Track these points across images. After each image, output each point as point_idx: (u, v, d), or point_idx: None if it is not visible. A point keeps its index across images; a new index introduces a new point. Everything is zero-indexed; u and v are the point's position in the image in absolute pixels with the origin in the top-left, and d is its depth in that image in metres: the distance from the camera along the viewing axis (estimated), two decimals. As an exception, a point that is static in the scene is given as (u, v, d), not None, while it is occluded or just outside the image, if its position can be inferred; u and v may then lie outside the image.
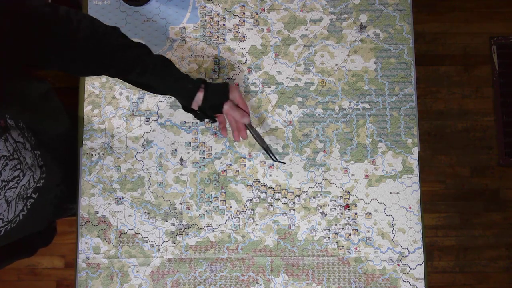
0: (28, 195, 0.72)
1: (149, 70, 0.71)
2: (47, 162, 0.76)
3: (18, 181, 0.68)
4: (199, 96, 0.74)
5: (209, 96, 0.74)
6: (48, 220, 0.87)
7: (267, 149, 0.80)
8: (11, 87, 0.66)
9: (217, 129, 0.86)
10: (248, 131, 0.79)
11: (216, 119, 0.80)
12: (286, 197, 0.85)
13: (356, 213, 0.85)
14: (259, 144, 0.81)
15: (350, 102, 0.87)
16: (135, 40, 0.72)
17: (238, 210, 0.85)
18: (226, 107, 0.75)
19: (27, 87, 0.72)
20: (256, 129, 0.84)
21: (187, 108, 0.77)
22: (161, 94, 0.83)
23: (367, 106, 0.87)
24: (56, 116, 0.84)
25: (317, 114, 0.87)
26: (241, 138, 0.79)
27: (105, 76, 0.87)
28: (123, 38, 0.71)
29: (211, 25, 0.89)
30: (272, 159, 0.81)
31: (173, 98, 0.87)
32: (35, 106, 0.75)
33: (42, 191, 0.75)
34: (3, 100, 0.63)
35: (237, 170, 0.86)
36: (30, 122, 0.71)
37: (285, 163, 0.85)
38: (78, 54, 0.68)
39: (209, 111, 0.76)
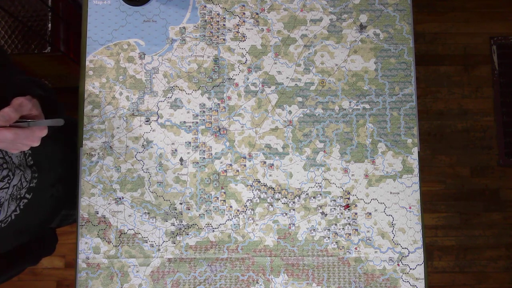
0: (22, 195, 0.72)
1: None
2: (38, 162, 0.76)
3: (9, 181, 0.68)
4: None
5: None
6: (45, 222, 0.87)
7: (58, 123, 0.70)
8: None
9: (217, 128, 0.86)
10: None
11: None
12: (286, 197, 0.85)
13: (356, 213, 0.85)
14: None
15: (350, 102, 0.87)
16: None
17: (238, 210, 0.85)
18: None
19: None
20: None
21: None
22: None
23: (367, 106, 0.87)
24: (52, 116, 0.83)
25: (317, 114, 0.87)
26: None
27: (105, 76, 0.87)
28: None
29: (211, 25, 0.89)
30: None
31: (173, 97, 0.87)
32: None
33: (36, 191, 0.75)
34: None
35: (237, 170, 0.86)
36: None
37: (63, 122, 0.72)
38: None
39: None
